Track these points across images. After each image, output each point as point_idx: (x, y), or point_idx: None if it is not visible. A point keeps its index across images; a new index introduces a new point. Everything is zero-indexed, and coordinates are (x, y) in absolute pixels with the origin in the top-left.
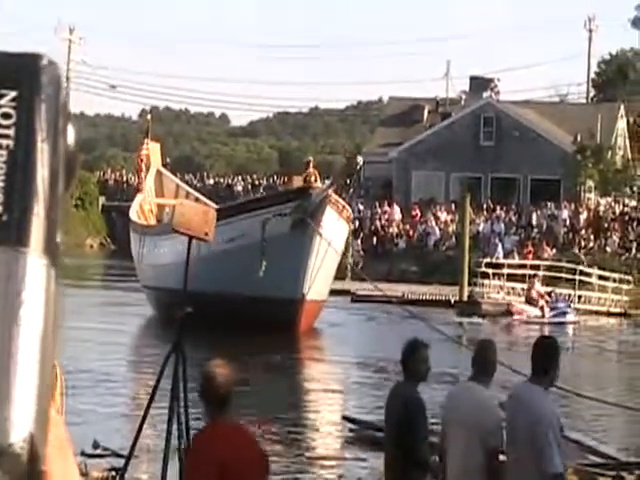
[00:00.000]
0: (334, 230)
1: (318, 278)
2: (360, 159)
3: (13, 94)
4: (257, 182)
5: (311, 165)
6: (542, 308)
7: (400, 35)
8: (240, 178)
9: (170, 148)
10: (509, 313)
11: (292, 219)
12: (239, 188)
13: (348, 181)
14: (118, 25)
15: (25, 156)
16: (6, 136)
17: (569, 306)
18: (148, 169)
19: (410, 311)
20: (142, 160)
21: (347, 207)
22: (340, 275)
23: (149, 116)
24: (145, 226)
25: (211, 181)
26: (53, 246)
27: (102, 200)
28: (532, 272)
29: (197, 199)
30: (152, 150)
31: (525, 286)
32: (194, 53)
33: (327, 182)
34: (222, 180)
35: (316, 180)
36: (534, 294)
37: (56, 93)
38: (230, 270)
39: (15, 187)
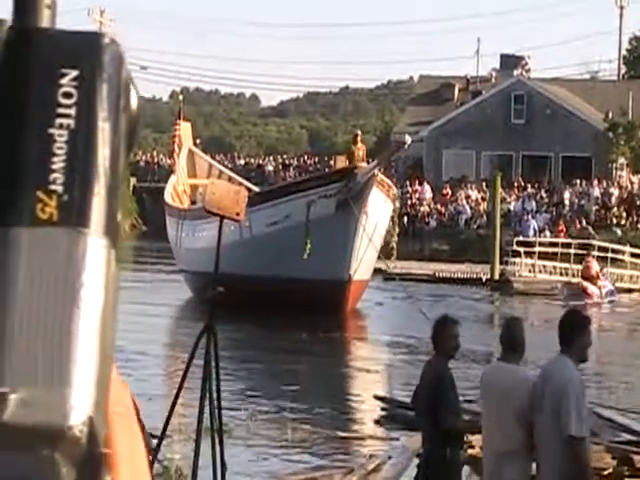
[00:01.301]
0: (380, 210)
1: (363, 258)
2: (408, 138)
3: (74, 73)
4: (288, 162)
5: (359, 139)
6: (600, 287)
7: (430, 13)
8: (271, 158)
9: (200, 129)
10: (585, 294)
11: (337, 200)
12: (270, 168)
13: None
14: (149, 6)
15: (86, 136)
16: (67, 115)
17: (613, 284)
18: (181, 150)
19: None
20: (175, 141)
21: (392, 186)
22: (385, 254)
23: (181, 97)
24: (183, 210)
25: (242, 161)
26: (113, 226)
27: (133, 181)
28: (564, 250)
29: (230, 178)
30: (183, 130)
31: (556, 264)
32: (224, 33)
33: (373, 162)
34: (253, 160)
35: (363, 157)
36: (593, 272)
37: (117, 72)
38: (274, 253)
39: (76, 167)
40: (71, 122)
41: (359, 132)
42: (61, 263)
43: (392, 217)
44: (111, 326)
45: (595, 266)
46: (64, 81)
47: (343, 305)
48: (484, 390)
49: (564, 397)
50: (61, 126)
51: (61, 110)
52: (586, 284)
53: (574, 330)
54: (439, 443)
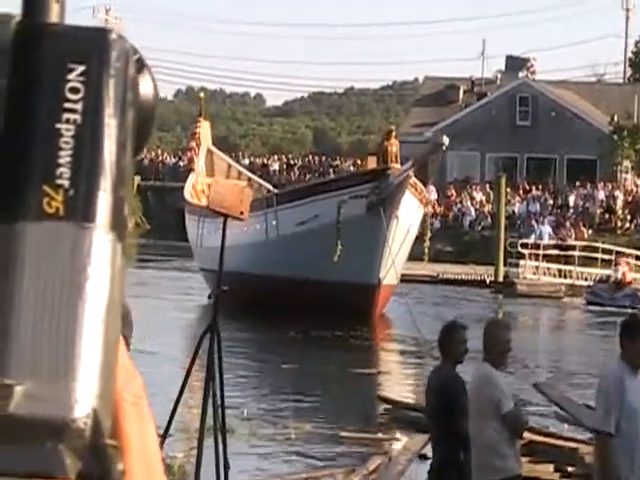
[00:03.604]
0: (411, 214)
1: (394, 262)
2: (446, 139)
3: (82, 69)
4: (292, 162)
5: (393, 134)
6: None
7: (436, 14)
8: (275, 158)
9: None
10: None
11: (368, 201)
12: (275, 168)
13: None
14: (154, 4)
15: (92, 131)
16: (74, 111)
17: None
18: (200, 148)
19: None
20: (195, 140)
21: (424, 190)
22: (415, 257)
23: (202, 94)
24: (204, 208)
25: (246, 161)
26: (120, 221)
27: (137, 180)
28: (571, 253)
29: (250, 179)
30: (203, 129)
31: (561, 267)
32: (230, 32)
33: (408, 163)
34: (257, 160)
35: (397, 153)
36: (628, 277)
37: (125, 67)
38: (303, 253)
39: (82, 162)
40: (78, 117)
41: (393, 127)
42: (67, 257)
43: (424, 221)
44: (117, 319)
45: (628, 272)
46: (71, 76)
47: (371, 310)
48: (468, 392)
49: (597, 394)
50: (68, 121)
51: (68, 105)
52: None
53: (627, 335)
54: (452, 447)
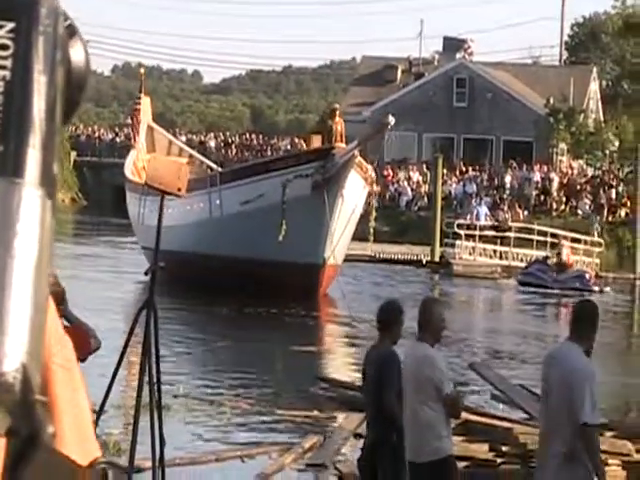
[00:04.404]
0: (356, 193)
1: (338, 243)
2: (392, 119)
3: (11, 25)
4: (230, 140)
5: (337, 113)
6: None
7: None
8: (212, 135)
9: None
10: (590, 284)
11: (313, 181)
12: (212, 145)
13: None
14: None
15: (22, 88)
16: (3, 67)
17: None
18: (140, 125)
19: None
20: (135, 116)
21: (369, 169)
22: (358, 237)
23: (142, 70)
24: (145, 185)
25: (183, 138)
26: (49, 177)
27: (74, 155)
28: (507, 234)
29: (191, 156)
30: (143, 105)
31: (496, 248)
32: (168, 9)
33: (353, 142)
34: (194, 137)
35: (342, 132)
36: (571, 259)
37: (54, 25)
38: (247, 233)
39: (11, 118)
40: (7, 74)
41: (337, 106)
42: None
43: (369, 201)
44: (46, 275)
45: (568, 251)
46: (0, 33)
47: (316, 290)
48: (404, 372)
49: (578, 385)
50: None
51: None
52: (589, 271)
53: (589, 321)
54: (386, 426)
